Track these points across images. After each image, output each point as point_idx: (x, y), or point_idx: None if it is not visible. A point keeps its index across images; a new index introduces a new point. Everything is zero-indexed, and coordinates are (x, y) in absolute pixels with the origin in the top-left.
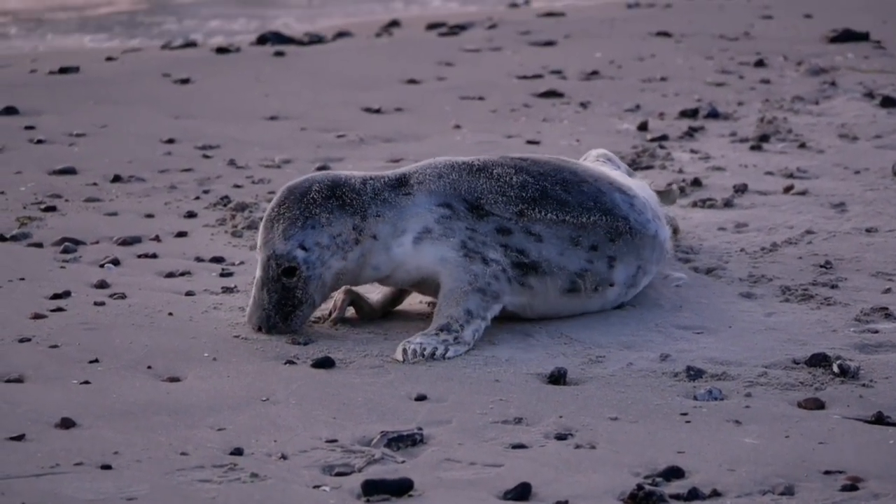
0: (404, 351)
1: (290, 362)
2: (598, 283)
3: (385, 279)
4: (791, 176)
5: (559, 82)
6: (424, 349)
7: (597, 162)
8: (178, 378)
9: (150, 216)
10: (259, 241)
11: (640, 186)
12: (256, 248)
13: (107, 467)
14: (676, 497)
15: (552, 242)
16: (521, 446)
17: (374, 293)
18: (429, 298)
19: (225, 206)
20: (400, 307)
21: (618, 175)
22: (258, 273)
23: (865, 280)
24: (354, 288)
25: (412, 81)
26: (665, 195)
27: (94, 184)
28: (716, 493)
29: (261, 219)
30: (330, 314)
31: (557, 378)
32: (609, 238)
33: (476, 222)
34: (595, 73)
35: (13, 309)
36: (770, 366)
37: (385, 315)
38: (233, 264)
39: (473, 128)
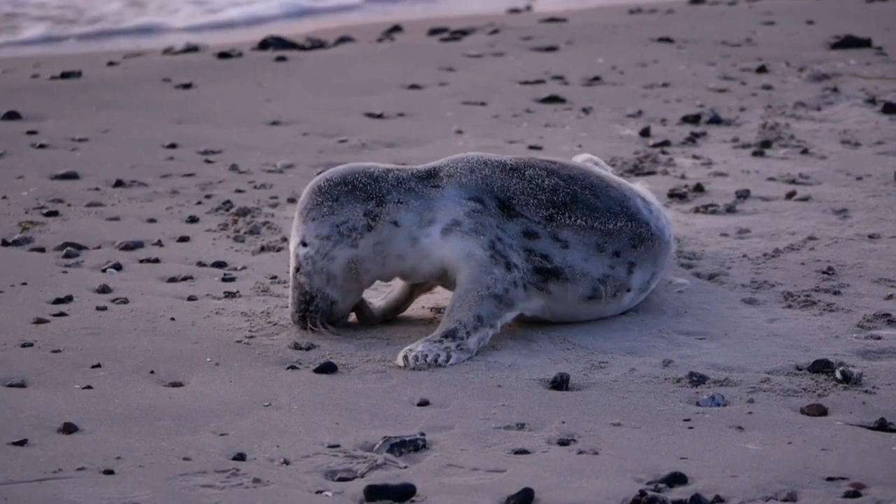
0: (405, 357)
1: (293, 367)
2: (618, 290)
3: (410, 271)
4: (793, 182)
5: (561, 88)
6: (426, 356)
7: None
8: (181, 383)
9: (152, 221)
10: None
11: (645, 190)
12: None
13: (109, 472)
14: (679, 503)
15: (578, 249)
16: (523, 452)
17: (378, 299)
18: (432, 304)
19: (227, 210)
20: (402, 314)
21: (623, 180)
22: None
23: (868, 286)
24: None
25: (414, 87)
26: None
27: (97, 188)
28: (719, 500)
29: (263, 224)
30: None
31: (560, 383)
32: (632, 245)
33: (505, 222)
34: (597, 78)
35: (15, 314)
36: (773, 372)
37: (387, 320)
38: (235, 269)
39: (475, 133)
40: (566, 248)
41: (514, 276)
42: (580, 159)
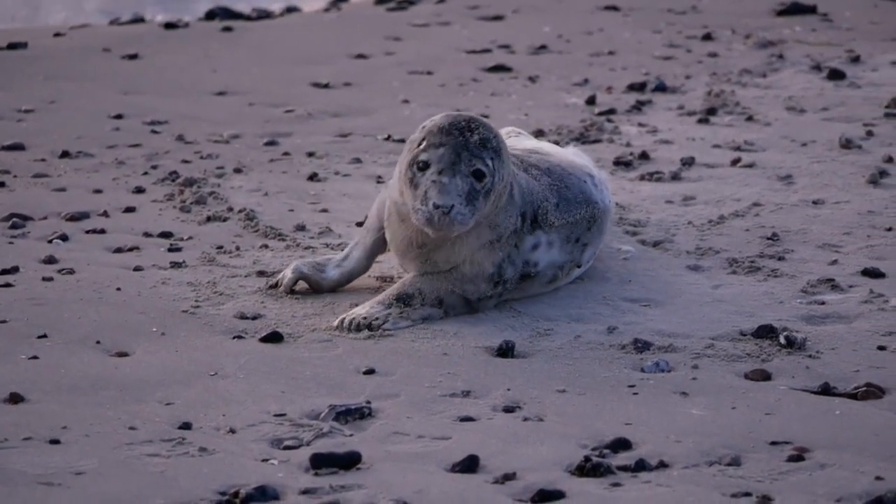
0: (342, 320)
1: (239, 337)
2: (571, 269)
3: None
4: (738, 149)
5: (507, 57)
6: (366, 319)
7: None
8: (127, 353)
9: (98, 192)
10: None
11: (577, 153)
12: None
13: (55, 442)
14: (624, 468)
15: (557, 245)
16: (469, 419)
17: (331, 267)
18: (378, 273)
19: (173, 181)
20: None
21: (567, 152)
22: None
23: (812, 252)
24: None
25: (360, 56)
26: None
27: (43, 159)
28: (663, 464)
29: (209, 194)
30: (277, 284)
31: (505, 351)
32: (587, 227)
33: (525, 236)
34: (543, 47)
35: None
36: (717, 338)
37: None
38: (181, 239)
39: (422, 102)
40: (551, 247)
41: (497, 291)
42: (503, 132)
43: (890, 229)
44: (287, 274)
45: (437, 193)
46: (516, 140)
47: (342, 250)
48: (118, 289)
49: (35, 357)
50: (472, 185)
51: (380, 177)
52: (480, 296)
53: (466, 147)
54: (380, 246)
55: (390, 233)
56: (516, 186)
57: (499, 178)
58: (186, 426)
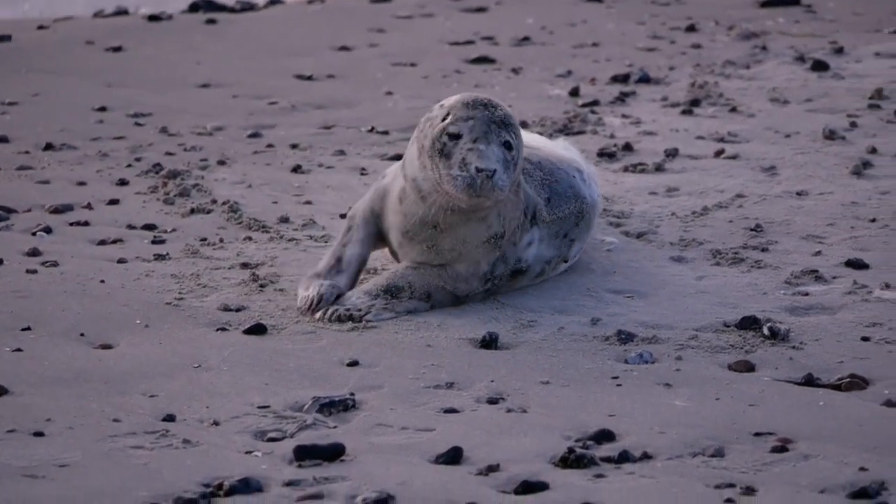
0: (324, 311)
1: (222, 329)
2: (558, 264)
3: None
4: (722, 140)
5: (491, 48)
6: (348, 309)
7: None
8: (110, 345)
9: (82, 184)
10: None
11: (566, 147)
12: None
13: (39, 434)
14: (607, 460)
15: (545, 241)
16: (452, 411)
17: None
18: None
19: (157, 173)
20: None
21: (556, 145)
22: None
23: (796, 243)
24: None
25: (344, 48)
26: None
27: (26, 152)
28: (646, 456)
29: (193, 186)
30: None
31: (489, 343)
32: (575, 223)
33: (522, 234)
34: (526, 38)
35: None
36: (700, 329)
37: None
38: (164, 231)
39: (405, 94)
40: (540, 243)
41: (486, 287)
42: None
43: (873, 220)
44: (317, 295)
45: (479, 158)
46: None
47: (324, 255)
48: (102, 281)
49: (19, 349)
50: (505, 155)
51: (363, 169)
52: (470, 292)
53: (493, 120)
54: (373, 240)
55: (402, 215)
56: (523, 181)
57: (520, 154)
58: (170, 418)
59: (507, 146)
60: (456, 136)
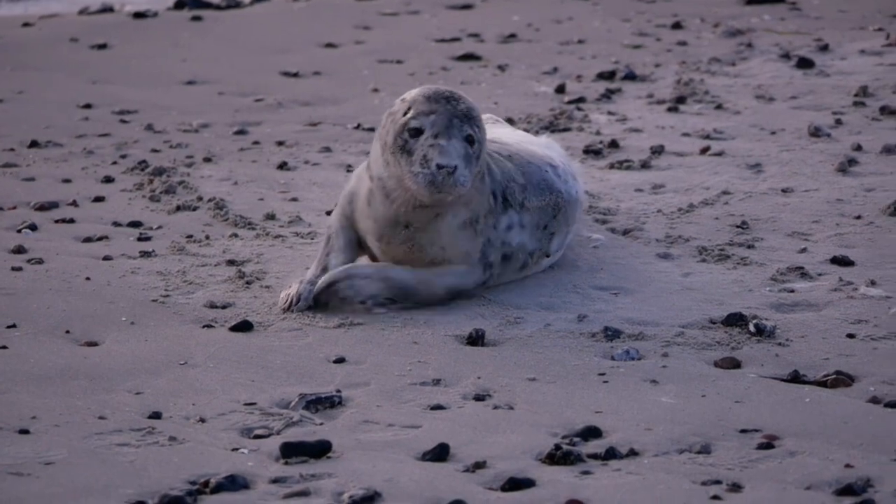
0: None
1: (209, 326)
2: (539, 258)
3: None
4: (708, 137)
5: (477, 45)
6: (349, 292)
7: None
8: (96, 342)
9: (67, 181)
10: None
11: (547, 145)
12: None
13: (24, 432)
14: (594, 456)
15: (528, 230)
16: (439, 407)
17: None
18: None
19: (142, 170)
20: None
21: (539, 142)
22: None
23: (781, 240)
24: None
25: (330, 45)
26: None
27: (12, 149)
28: (633, 452)
29: (178, 183)
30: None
31: (475, 339)
32: (553, 215)
33: (500, 216)
34: (513, 36)
35: None
36: (687, 326)
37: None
38: (150, 228)
39: (391, 91)
40: (523, 230)
41: (489, 273)
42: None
43: (859, 217)
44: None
45: (439, 154)
46: (492, 128)
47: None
48: (87, 278)
49: (4, 347)
50: (467, 150)
51: (349, 166)
52: (477, 282)
53: (456, 114)
54: (354, 247)
55: (371, 218)
56: (487, 167)
57: (483, 147)
58: (156, 415)
59: (469, 140)
60: (418, 132)
